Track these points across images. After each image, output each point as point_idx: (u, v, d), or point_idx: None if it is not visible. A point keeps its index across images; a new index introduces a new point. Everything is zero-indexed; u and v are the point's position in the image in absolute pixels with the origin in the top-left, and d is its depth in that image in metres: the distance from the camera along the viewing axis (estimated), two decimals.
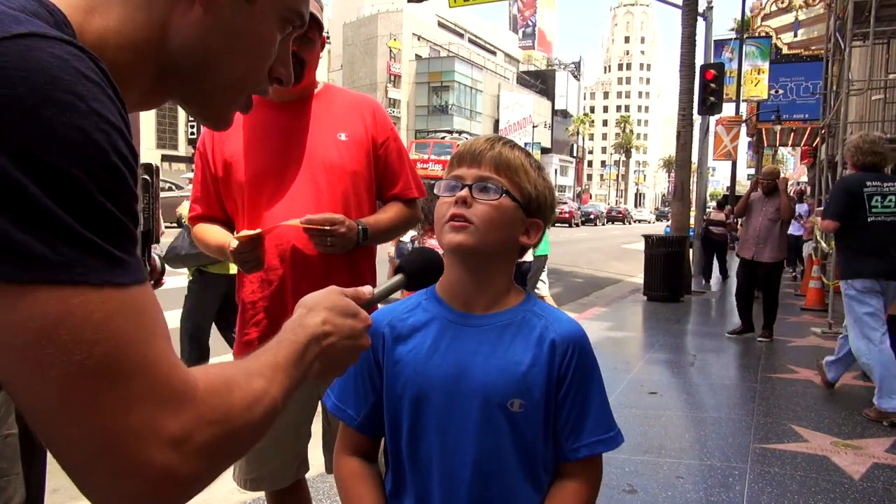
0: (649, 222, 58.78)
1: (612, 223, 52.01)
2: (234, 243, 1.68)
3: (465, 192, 1.04)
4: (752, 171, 23.87)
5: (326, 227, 1.69)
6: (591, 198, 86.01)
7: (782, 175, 7.23)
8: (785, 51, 18.60)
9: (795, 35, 17.75)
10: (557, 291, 10.83)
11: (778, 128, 17.98)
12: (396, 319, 1.11)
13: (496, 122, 67.90)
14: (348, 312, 0.79)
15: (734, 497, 3.21)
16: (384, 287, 0.92)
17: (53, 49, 0.49)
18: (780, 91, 17.18)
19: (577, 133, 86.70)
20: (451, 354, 1.06)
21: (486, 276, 1.08)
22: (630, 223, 54.89)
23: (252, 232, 1.68)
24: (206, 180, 1.91)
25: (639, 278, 11.10)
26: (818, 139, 14.10)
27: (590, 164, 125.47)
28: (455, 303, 1.10)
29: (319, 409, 1.99)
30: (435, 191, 1.09)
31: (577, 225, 42.37)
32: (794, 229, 10.37)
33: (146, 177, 1.71)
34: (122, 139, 0.51)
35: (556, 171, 75.83)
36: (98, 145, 0.49)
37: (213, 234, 1.87)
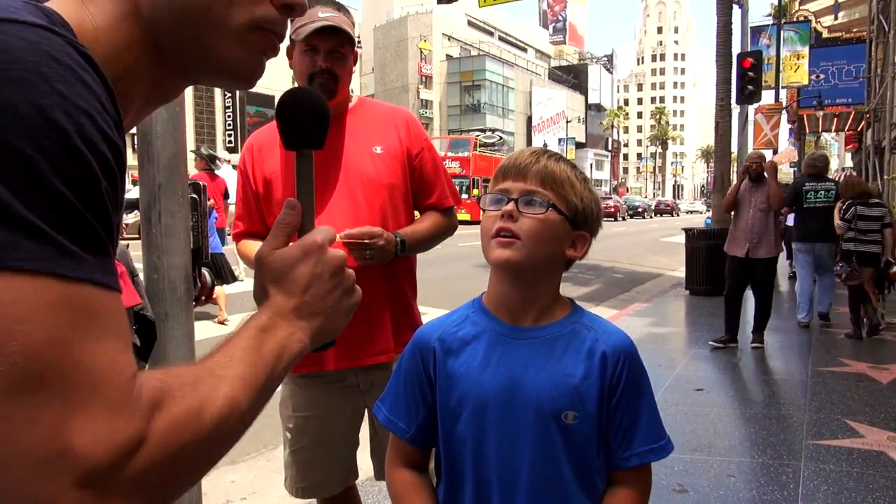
0: (700, 212, 57.28)
1: (661, 216, 51.17)
2: None
3: (511, 206, 1.04)
4: (794, 158, 23.26)
5: (365, 241, 1.73)
6: (627, 191, 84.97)
7: (770, 159, 6.81)
8: (825, 35, 18.11)
9: (835, 18, 17.28)
10: (597, 288, 10.74)
11: (820, 113, 17.51)
12: (446, 333, 1.12)
13: (529, 119, 67.65)
14: (287, 265, 0.67)
15: (789, 495, 3.14)
16: (300, 187, 0.75)
17: (24, 33, 0.46)
18: (822, 76, 16.75)
19: (612, 126, 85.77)
20: (503, 367, 1.07)
21: (533, 289, 1.09)
22: (678, 215, 53.81)
23: None
24: (248, 198, 1.96)
25: (680, 272, 10.93)
26: (863, 123, 13.68)
27: (625, 157, 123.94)
28: (503, 315, 1.10)
29: (366, 417, 2.02)
30: (480, 204, 1.11)
31: (623, 219, 42.03)
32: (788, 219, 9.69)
33: (194, 195, 1.76)
34: (92, 124, 0.47)
35: (591, 165, 75.09)
36: (58, 126, 0.44)
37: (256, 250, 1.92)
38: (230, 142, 36.55)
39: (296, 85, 1.96)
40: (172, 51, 0.62)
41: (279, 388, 2.04)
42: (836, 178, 8.54)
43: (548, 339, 1.08)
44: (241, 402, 0.56)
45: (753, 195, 6.18)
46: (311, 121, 0.75)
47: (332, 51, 1.83)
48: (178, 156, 1.68)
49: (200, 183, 1.80)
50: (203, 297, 1.82)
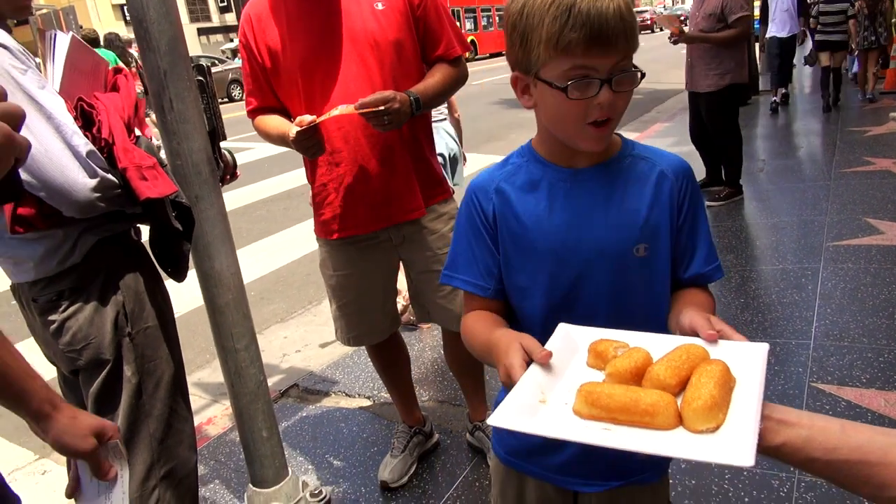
0: None
1: None
2: (294, 132, 1.76)
3: (607, 95, 0.94)
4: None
5: (381, 108, 1.72)
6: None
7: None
8: None
9: None
10: None
11: None
12: (504, 183, 1.08)
13: None
14: None
15: (807, 296, 3.30)
16: None
17: None
18: None
19: None
20: (568, 212, 1.04)
21: None
22: None
23: (309, 118, 1.74)
24: (256, 72, 1.95)
25: None
26: None
27: None
28: (559, 161, 1.06)
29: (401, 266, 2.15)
30: (543, 75, 0.96)
31: (661, 29, 39.76)
32: (784, 28, 8.03)
33: (200, 78, 1.76)
34: None
35: None
36: None
37: (274, 123, 1.95)
38: (223, 1, 34.74)
39: None
40: None
41: (318, 251, 2.16)
42: None
43: (608, 176, 1.05)
44: None
45: (698, 9, 4.89)
46: None
47: None
48: (176, 38, 1.66)
49: (203, 65, 1.79)
50: (228, 177, 1.89)
